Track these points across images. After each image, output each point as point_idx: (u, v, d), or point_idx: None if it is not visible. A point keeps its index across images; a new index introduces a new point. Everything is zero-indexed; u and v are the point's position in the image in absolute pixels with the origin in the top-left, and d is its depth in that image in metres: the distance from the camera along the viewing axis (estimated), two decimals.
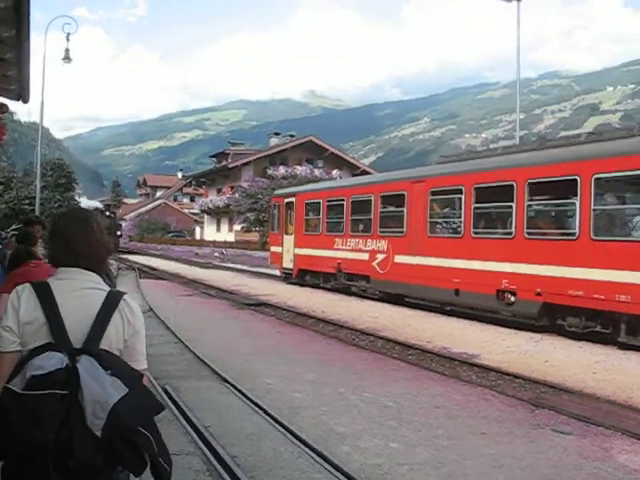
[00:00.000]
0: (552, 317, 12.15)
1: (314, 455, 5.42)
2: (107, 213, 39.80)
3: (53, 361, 2.18)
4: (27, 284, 2.44)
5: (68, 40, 25.56)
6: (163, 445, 2.27)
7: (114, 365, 2.26)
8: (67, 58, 26.31)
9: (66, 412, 2.14)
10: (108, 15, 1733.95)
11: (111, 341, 2.36)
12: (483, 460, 5.64)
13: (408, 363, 10.15)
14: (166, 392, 7.43)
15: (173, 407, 6.81)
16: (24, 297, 2.38)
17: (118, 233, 41.08)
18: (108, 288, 2.50)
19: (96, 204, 44.08)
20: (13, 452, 2.18)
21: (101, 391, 2.14)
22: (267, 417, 6.57)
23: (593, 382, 8.82)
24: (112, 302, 2.42)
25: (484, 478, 5.28)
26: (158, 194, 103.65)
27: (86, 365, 2.19)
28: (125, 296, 2.48)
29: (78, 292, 2.41)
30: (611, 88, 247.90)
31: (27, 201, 41.50)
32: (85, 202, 47.50)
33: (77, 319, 2.34)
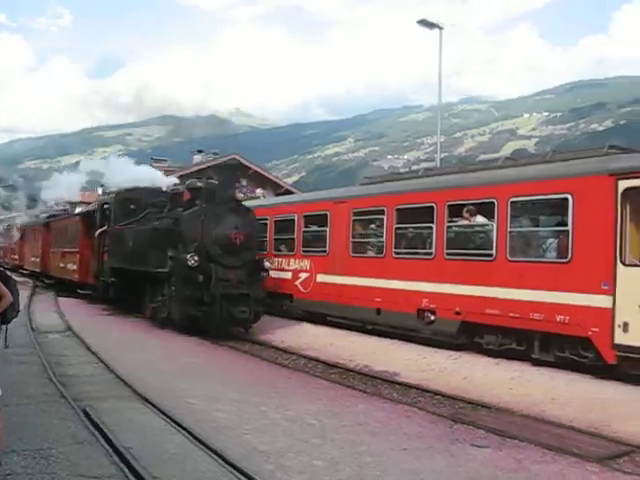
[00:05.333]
0: (470, 335, 12.48)
1: (238, 474, 5.42)
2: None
3: None
4: None
5: None
6: None
7: None
8: None
9: None
10: (30, 24, 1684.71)
11: None
12: (404, 475, 5.78)
13: (331, 381, 10.26)
14: (86, 414, 7.28)
15: (93, 429, 6.68)
16: None
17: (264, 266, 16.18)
18: None
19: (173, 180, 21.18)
20: None
21: None
22: (190, 437, 6.52)
23: (509, 397, 9.14)
24: None
25: None
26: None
27: None
28: None
29: None
30: (527, 115, 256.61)
31: None
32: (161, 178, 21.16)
33: None
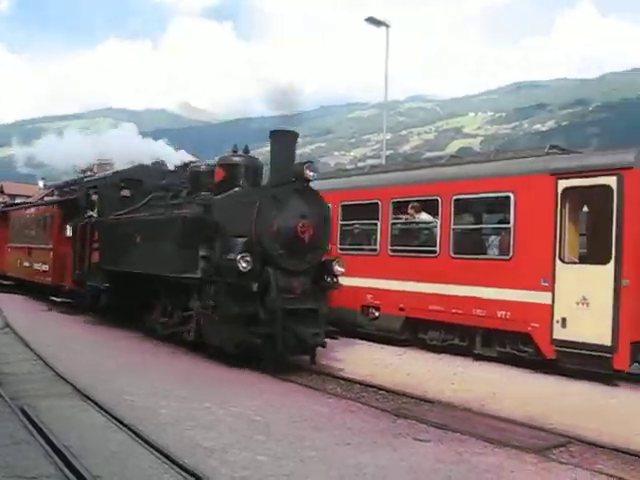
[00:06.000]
0: (414, 331, 12.64)
1: (180, 471, 5.39)
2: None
3: None
4: None
5: None
6: None
7: None
8: None
9: None
10: None
11: None
12: (348, 469, 5.82)
13: (275, 377, 10.23)
14: (24, 412, 7.10)
15: (32, 428, 6.53)
16: None
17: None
18: None
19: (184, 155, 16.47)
20: None
21: None
22: (132, 434, 6.45)
23: (451, 392, 9.30)
24: None
25: None
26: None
27: None
28: None
29: None
30: (472, 114, 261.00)
31: None
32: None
33: None
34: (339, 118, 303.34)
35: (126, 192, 15.80)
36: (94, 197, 17.07)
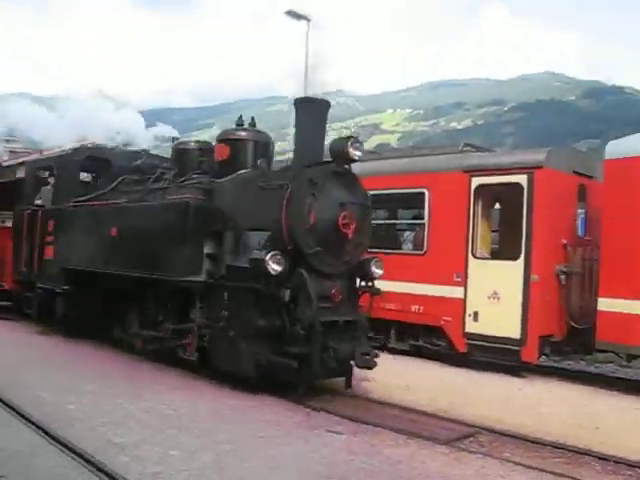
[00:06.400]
0: None
1: (90, 467, 5.26)
2: None
3: None
4: None
5: None
6: None
7: None
8: None
9: None
10: None
11: None
12: (262, 462, 5.81)
13: (187, 372, 10.11)
14: None
15: None
16: None
17: None
18: None
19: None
20: None
21: None
22: (39, 431, 6.24)
23: (367, 385, 9.42)
24: None
25: (262, 479, 5.46)
26: None
27: None
28: None
29: None
30: (391, 110, 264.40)
31: None
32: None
33: None
34: (259, 111, 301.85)
35: (88, 174, 13.64)
36: (50, 179, 14.38)
